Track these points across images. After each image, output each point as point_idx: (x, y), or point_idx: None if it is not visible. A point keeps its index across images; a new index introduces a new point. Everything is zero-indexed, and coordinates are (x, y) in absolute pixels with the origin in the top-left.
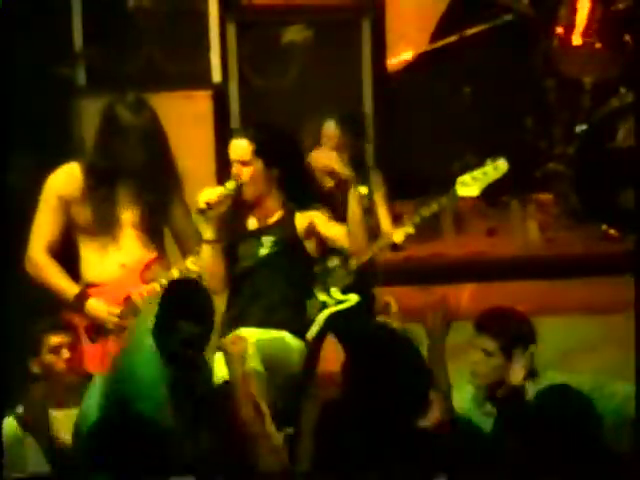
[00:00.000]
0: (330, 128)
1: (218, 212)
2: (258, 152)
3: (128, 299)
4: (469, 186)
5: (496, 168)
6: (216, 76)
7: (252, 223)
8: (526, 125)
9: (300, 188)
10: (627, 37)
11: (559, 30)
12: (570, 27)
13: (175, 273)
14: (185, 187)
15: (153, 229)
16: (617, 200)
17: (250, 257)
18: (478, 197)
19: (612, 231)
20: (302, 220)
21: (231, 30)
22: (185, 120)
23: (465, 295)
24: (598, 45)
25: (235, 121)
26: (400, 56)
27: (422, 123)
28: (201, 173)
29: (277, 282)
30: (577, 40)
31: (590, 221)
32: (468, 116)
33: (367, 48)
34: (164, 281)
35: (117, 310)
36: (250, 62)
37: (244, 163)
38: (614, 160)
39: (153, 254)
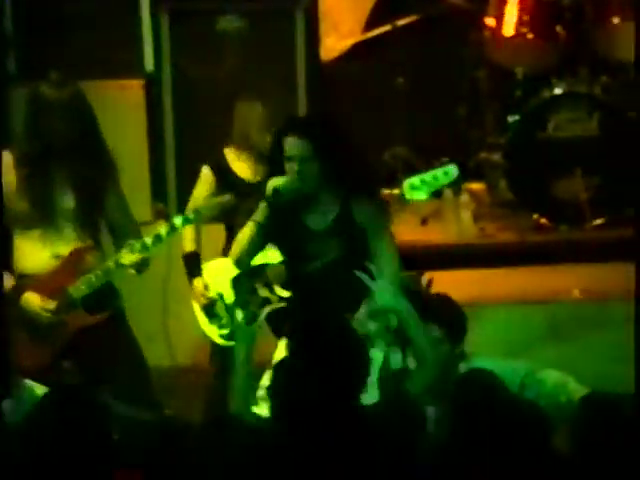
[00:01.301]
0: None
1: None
2: (316, 149)
3: (63, 291)
4: (418, 190)
5: (446, 173)
6: (149, 65)
7: (313, 222)
8: (459, 115)
9: (357, 180)
10: (558, 28)
11: (490, 21)
12: (502, 18)
13: (111, 265)
14: (120, 177)
15: (88, 219)
16: (549, 190)
17: (320, 257)
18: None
19: (543, 220)
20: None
21: (164, 19)
22: (118, 109)
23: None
24: (530, 36)
25: (168, 110)
26: (334, 46)
27: (355, 112)
28: (134, 163)
29: (346, 280)
30: (509, 31)
31: (522, 211)
32: (401, 106)
33: (301, 38)
34: (99, 272)
35: (51, 305)
36: (183, 51)
37: (302, 160)
38: (545, 150)
39: (88, 244)
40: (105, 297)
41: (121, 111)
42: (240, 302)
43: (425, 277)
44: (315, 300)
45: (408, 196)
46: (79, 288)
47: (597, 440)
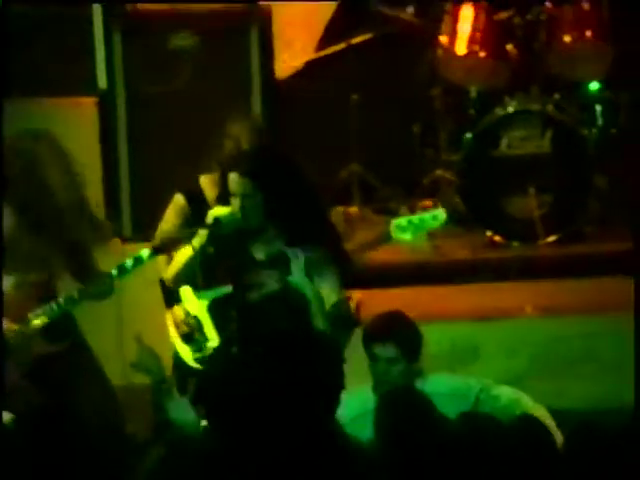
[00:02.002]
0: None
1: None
2: (258, 187)
3: (24, 317)
4: (404, 231)
5: (435, 218)
6: (102, 82)
7: (258, 251)
8: (413, 132)
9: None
10: (510, 46)
11: (444, 39)
12: (454, 36)
13: (74, 294)
14: None
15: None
16: (502, 207)
17: (264, 286)
18: (366, 205)
19: (497, 238)
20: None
21: (117, 36)
22: (71, 127)
23: (353, 302)
24: (482, 54)
25: (122, 127)
26: (288, 63)
27: (310, 130)
28: (88, 182)
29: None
30: (461, 49)
31: (476, 228)
32: (355, 123)
33: (255, 55)
34: (61, 301)
35: (12, 328)
36: (137, 68)
37: (244, 196)
38: (499, 168)
39: (51, 273)
40: (65, 326)
41: (74, 129)
42: (218, 327)
43: (354, 300)
44: (256, 327)
45: (394, 235)
46: (39, 316)
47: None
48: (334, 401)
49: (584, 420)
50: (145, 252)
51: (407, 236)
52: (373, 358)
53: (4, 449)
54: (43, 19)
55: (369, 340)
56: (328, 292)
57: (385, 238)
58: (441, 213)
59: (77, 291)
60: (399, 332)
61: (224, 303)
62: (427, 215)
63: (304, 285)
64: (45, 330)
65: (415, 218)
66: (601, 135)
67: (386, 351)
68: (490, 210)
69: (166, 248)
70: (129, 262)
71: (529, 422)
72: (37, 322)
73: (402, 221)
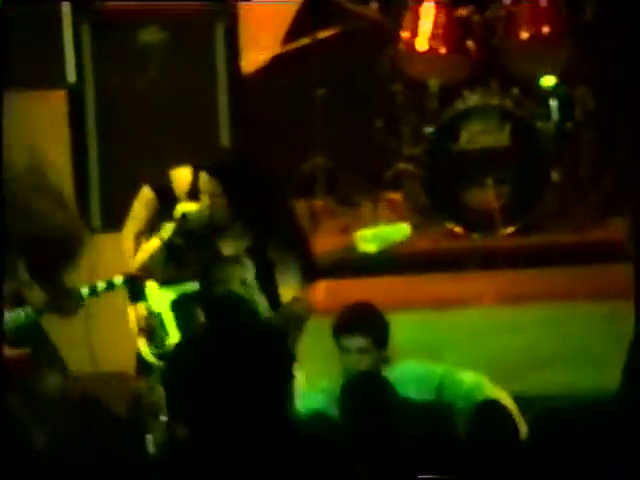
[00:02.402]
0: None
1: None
2: (225, 188)
3: None
4: (369, 242)
5: (399, 231)
6: (71, 76)
7: (226, 247)
8: (376, 127)
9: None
10: (470, 42)
11: (405, 35)
12: (416, 32)
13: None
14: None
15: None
16: (462, 199)
17: (230, 280)
18: (330, 196)
19: (457, 229)
20: None
21: (85, 31)
22: (41, 120)
23: (321, 291)
24: (442, 50)
25: (91, 121)
26: (254, 59)
27: (275, 124)
28: (57, 175)
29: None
30: (422, 45)
31: (437, 219)
32: (321, 117)
33: (221, 51)
34: (30, 311)
35: None
36: (106, 63)
37: (212, 195)
38: (459, 161)
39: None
40: (28, 334)
41: (44, 122)
42: (179, 324)
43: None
44: (219, 321)
45: (360, 247)
46: (6, 322)
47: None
48: (285, 388)
49: (546, 405)
50: (118, 279)
51: (372, 248)
52: (344, 350)
53: None
54: (12, 11)
55: (339, 332)
56: (286, 289)
57: (350, 251)
58: (405, 228)
59: (45, 304)
60: (368, 323)
61: (189, 298)
62: (391, 228)
63: (254, 285)
64: (10, 334)
65: (380, 231)
66: (557, 129)
67: (356, 342)
68: (451, 202)
69: (141, 277)
70: (101, 285)
71: (491, 406)
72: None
73: (367, 234)
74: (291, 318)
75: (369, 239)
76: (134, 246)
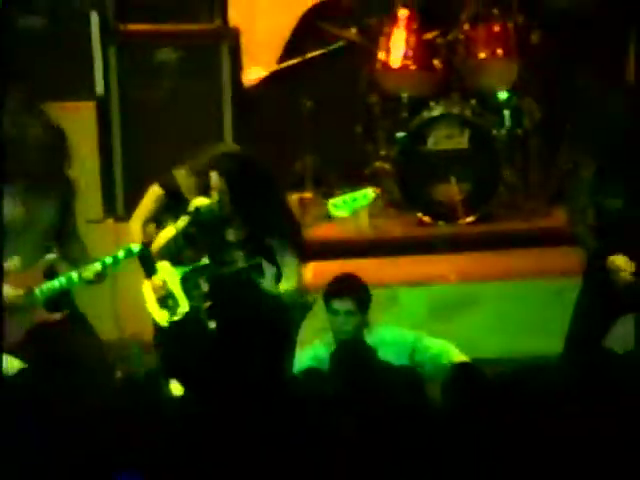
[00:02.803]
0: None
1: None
2: (231, 185)
3: (30, 289)
4: (340, 208)
5: (364, 196)
6: (99, 89)
7: (230, 234)
8: (356, 132)
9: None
10: (436, 61)
11: (381, 55)
12: (389, 53)
13: (74, 276)
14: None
15: (57, 235)
16: (429, 193)
17: (235, 263)
18: (317, 191)
19: (425, 218)
20: None
21: (111, 50)
22: (75, 127)
23: (309, 271)
24: (413, 67)
25: (116, 127)
26: (254, 74)
27: (272, 130)
28: (88, 173)
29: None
30: (395, 63)
31: (408, 210)
32: (309, 124)
33: (226, 67)
34: (63, 280)
35: (20, 294)
36: (128, 78)
37: (221, 191)
38: (426, 161)
39: (55, 256)
40: (62, 300)
41: (77, 129)
42: (187, 295)
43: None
44: (224, 295)
45: (332, 213)
46: (43, 290)
47: (465, 400)
48: (285, 357)
49: (496, 370)
50: (136, 247)
51: (343, 213)
52: (333, 312)
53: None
54: (49, 34)
55: (329, 297)
56: (287, 275)
57: (325, 216)
58: (369, 192)
59: (77, 273)
60: (354, 289)
61: (197, 274)
62: (358, 194)
63: (266, 268)
64: (46, 302)
65: (348, 197)
66: (509, 135)
67: (344, 305)
68: (419, 195)
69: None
70: (121, 253)
71: (465, 369)
72: (39, 294)
73: (337, 200)
74: (296, 303)
75: (340, 206)
76: (140, 230)
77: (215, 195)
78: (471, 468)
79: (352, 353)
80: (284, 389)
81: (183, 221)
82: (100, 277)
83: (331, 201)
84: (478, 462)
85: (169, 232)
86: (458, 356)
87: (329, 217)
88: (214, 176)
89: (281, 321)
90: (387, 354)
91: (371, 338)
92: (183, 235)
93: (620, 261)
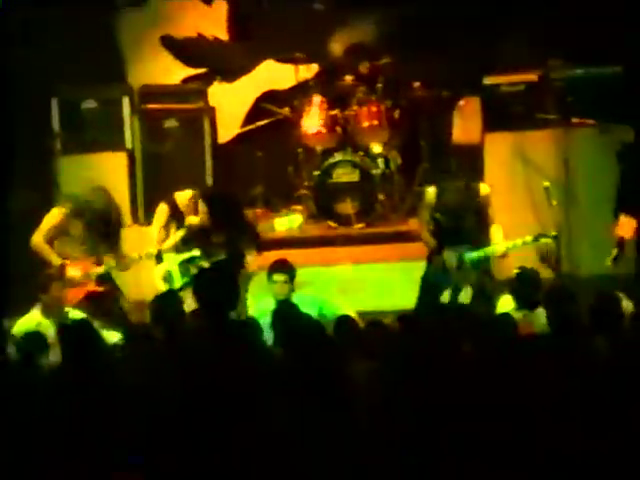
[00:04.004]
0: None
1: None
2: (210, 207)
3: (87, 270)
4: (280, 225)
5: (295, 220)
6: (129, 144)
7: (215, 238)
8: (289, 171)
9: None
10: (338, 128)
11: (304, 124)
12: (310, 122)
13: (113, 264)
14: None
15: (108, 244)
16: (335, 208)
17: (214, 255)
18: (265, 208)
19: (332, 224)
20: None
21: (136, 118)
22: (114, 170)
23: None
24: (323, 131)
25: (139, 169)
26: (225, 134)
27: (237, 170)
28: (123, 200)
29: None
30: (313, 128)
31: (321, 219)
32: (260, 166)
33: (208, 132)
34: (107, 267)
35: (80, 273)
36: (147, 137)
37: (204, 212)
38: (333, 188)
39: (102, 253)
40: (107, 277)
41: (114, 168)
42: (181, 275)
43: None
44: (208, 271)
45: (275, 227)
46: (94, 272)
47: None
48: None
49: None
50: (153, 250)
51: (281, 228)
52: (273, 282)
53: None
54: (100, 110)
55: (271, 272)
56: (248, 259)
57: (271, 227)
58: (298, 217)
59: (115, 263)
60: (286, 268)
61: (189, 263)
62: (291, 217)
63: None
64: (97, 278)
65: (285, 219)
66: (382, 173)
67: (280, 277)
68: (328, 210)
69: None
70: (146, 252)
71: (344, 317)
72: (94, 273)
73: (279, 220)
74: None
75: (280, 223)
76: (157, 234)
77: (202, 214)
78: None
79: (285, 308)
80: (241, 326)
81: (182, 231)
82: (127, 267)
83: (276, 219)
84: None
85: (177, 236)
86: (344, 310)
87: (273, 229)
88: (200, 202)
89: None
90: (305, 309)
91: (296, 299)
92: (182, 239)
93: (449, 256)
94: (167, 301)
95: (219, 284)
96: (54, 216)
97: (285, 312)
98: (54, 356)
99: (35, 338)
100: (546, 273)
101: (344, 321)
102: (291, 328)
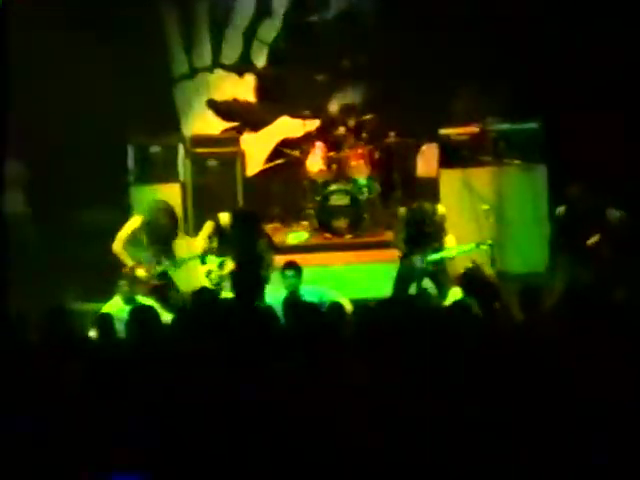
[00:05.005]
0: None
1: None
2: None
3: (151, 271)
4: (292, 239)
5: (302, 235)
6: (181, 177)
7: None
8: (298, 196)
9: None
10: (333, 165)
11: (309, 163)
12: (312, 162)
13: (169, 265)
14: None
15: (166, 251)
16: (331, 224)
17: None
18: (283, 224)
19: (329, 236)
20: None
21: (187, 161)
22: (169, 196)
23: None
24: (323, 168)
25: (189, 195)
26: (252, 171)
27: (261, 197)
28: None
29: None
30: (315, 168)
31: (322, 232)
32: (277, 194)
33: (239, 169)
34: (163, 267)
35: (145, 272)
36: (195, 173)
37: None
38: (330, 209)
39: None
40: (165, 274)
41: (171, 197)
42: (220, 269)
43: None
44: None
45: (288, 241)
46: (157, 270)
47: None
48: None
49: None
50: (197, 254)
51: (293, 242)
52: (285, 277)
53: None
54: (162, 156)
55: (284, 269)
56: (267, 259)
57: (284, 240)
58: (304, 234)
59: (170, 263)
60: (295, 266)
61: (222, 264)
62: (299, 234)
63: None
64: (158, 275)
65: (295, 235)
66: (366, 198)
67: (290, 273)
68: (327, 225)
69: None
70: (188, 257)
71: (337, 303)
72: (156, 271)
73: (291, 235)
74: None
75: (292, 238)
76: (202, 244)
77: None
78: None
79: (293, 297)
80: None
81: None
82: (180, 265)
83: (289, 234)
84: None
85: (214, 244)
86: (338, 298)
87: (286, 241)
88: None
89: (260, 277)
90: (309, 297)
91: (302, 291)
92: (218, 248)
93: (415, 259)
94: (203, 295)
95: (249, 280)
96: (131, 224)
97: (293, 300)
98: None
99: (109, 319)
100: (490, 271)
101: (336, 305)
102: (297, 310)
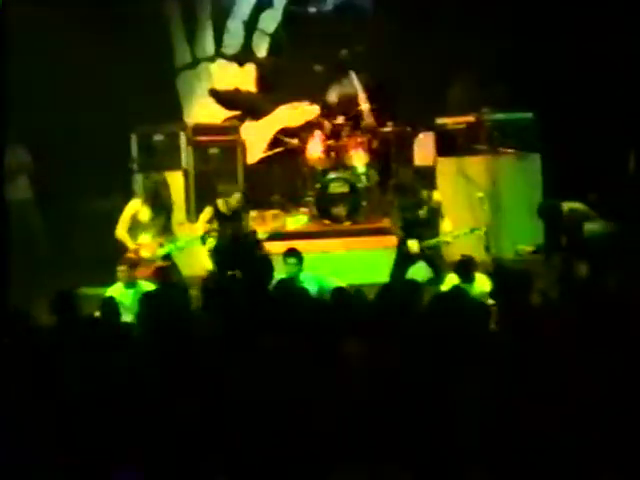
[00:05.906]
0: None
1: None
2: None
3: (155, 251)
4: (292, 223)
5: (301, 219)
6: (184, 165)
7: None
8: (298, 184)
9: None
10: (332, 153)
11: (308, 151)
12: (311, 149)
13: (172, 246)
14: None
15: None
16: (330, 211)
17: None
18: (283, 210)
19: (327, 222)
20: None
21: (189, 148)
22: (174, 184)
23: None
24: (322, 157)
25: (191, 181)
26: (252, 159)
27: (262, 182)
28: (178, 202)
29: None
30: (315, 156)
31: (321, 218)
32: (277, 182)
33: (240, 156)
34: (168, 249)
35: (150, 254)
36: (196, 160)
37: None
38: (329, 198)
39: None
40: (167, 257)
41: (174, 184)
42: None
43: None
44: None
45: (288, 225)
46: (161, 251)
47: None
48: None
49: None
50: (199, 236)
51: (292, 227)
52: (287, 263)
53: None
54: (167, 142)
55: (285, 256)
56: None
57: (285, 225)
58: (304, 218)
59: (174, 246)
60: (296, 253)
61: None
62: (300, 217)
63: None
64: (162, 257)
65: (295, 219)
66: (365, 187)
67: (291, 260)
68: (326, 212)
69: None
70: (191, 240)
71: (339, 289)
72: (159, 254)
73: (291, 219)
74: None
75: (292, 221)
76: (202, 227)
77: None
78: None
79: (294, 282)
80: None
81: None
82: (183, 249)
83: (288, 219)
84: None
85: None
86: (337, 284)
87: (286, 225)
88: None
89: (270, 262)
90: (309, 284)
91: (303, 276)
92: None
93: (412, 243)
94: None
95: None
96: (131, 207)
97: (294, 285)
98: (127, 317)
99: (112, 303)
100: (485, 257)
101: (338, 290)
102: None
